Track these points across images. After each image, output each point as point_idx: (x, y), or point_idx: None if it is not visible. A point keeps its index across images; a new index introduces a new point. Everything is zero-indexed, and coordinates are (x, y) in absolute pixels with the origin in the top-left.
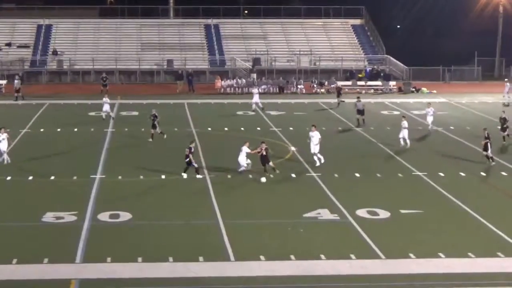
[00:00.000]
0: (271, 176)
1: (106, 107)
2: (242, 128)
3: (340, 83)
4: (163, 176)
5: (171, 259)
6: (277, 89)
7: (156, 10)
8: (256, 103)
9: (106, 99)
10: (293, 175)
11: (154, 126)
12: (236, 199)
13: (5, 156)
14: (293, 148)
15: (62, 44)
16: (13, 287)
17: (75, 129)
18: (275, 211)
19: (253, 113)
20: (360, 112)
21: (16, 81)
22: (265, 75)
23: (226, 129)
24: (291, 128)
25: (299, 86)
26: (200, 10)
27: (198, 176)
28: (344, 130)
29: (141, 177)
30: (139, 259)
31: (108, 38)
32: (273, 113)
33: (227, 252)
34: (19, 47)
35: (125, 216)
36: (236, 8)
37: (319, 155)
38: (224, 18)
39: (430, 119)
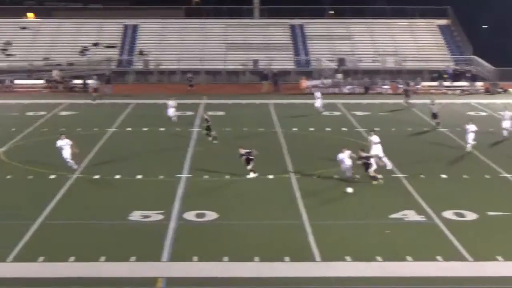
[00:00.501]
0: (357, 176)
1: (170, 111)
2: (328, 129)
3: (425, 84)
4: (248, 176)
5: (256, 259)
6: (363, 89)
7: (241, 10)
8: (317, 107)
9: (172, 102)
10: (379, 176)
11: (208, 129)
12: (321, 200)
13: (71, 163)
14: None
15: (148, 44)
16: (101, 284)
17: (161, 129)
18: (361, 211)
19: (338, 113)
20: (434, 115)
21: (94, 81)
22: (350, 76)
23: (311, 129)
24: (376, 129)
25: (384, 87)
26: (285, 10)
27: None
28: (429, 130)
29: (227, 176)
30: (225, 258)
31: (193, 38)
32: (358, 113)
33: (313, 252)
34: (106, 47)
35: (211, 215)
36: (321, 9)
37: (384, 159)
38: (309, 18)
39: (506, 123)
